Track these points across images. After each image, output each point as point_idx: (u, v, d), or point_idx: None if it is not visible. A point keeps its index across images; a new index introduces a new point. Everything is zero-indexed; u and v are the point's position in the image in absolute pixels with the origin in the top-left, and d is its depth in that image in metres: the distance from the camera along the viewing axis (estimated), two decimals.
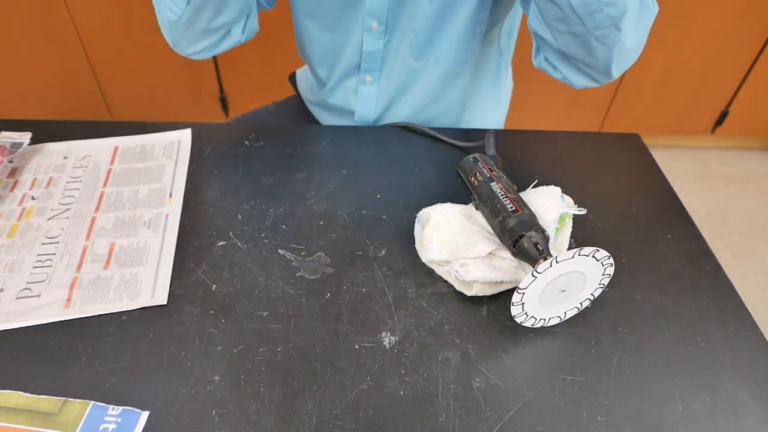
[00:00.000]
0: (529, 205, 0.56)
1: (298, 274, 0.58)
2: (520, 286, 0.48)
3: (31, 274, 0.56)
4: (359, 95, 0.84)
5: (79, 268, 0.57)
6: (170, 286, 0.56)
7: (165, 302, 0.54)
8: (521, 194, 0.58)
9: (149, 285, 0.55)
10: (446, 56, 0.78)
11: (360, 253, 0.60)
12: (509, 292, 0.56)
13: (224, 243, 0.61)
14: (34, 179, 0.67)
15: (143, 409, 0.46)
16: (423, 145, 0.77)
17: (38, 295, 0.54)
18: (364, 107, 0.85)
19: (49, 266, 0.57)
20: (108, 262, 0.58)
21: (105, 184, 0.67)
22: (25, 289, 0.55)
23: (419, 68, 0.79)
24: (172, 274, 0.57)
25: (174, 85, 1.79)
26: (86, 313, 0.52)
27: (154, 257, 0.58)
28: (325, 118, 0.95)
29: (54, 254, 0.58)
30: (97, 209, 0.64)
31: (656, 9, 0.65)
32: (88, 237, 0.60)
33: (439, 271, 0.58)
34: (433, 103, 0.85)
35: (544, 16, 0.65)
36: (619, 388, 0.50)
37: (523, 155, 0.77)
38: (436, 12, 0.73)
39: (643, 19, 0.65)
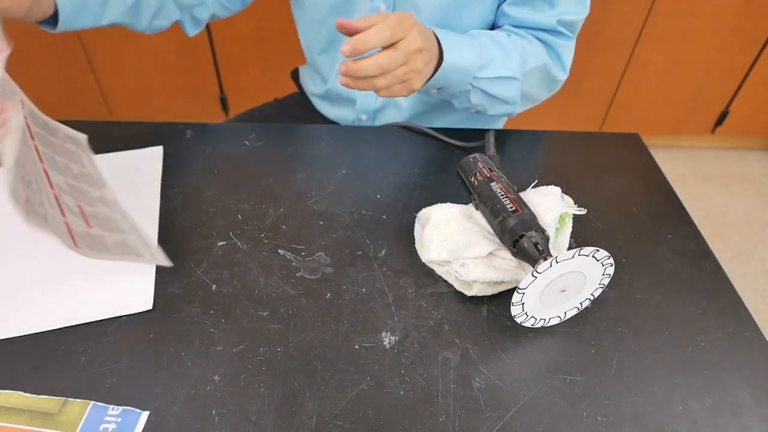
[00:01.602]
0: (529, 205, 0.56)
1: (298, 274, 0.58)
2: (520, 286, 0.48)
3: None
4: None
5: (62, 213, 0.49)
6: (170, 287, 0.56)
7: (166, 262, 0.54)
8: (521, 194, 0.58)
9: (144, 247, 0.54)
10: None
11: (360, 253, 0.60)
12: (509, 292, 0.56)
13: (224, 243, 0.61)
14: None
15: (143, 409, 0.46)
16: (423, 145, 0.77)
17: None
18: (366, 96, 0.85)
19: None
20: (87, 222, 0.51)
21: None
22: None
23: None
24: (172, 274, 0.57)
25: (174, 85, 1.79)
26: (93, 257, 0.50)
27: (134, 223, 0.55)
28: (327, 110, 0.95)
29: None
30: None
31: (563, 78, 0.78)
32: (51, 187, 0.50)
33: (439, 271, 0.58)
34: (434, 104, 0.85)
35: None
36: (619, 388, 0.50)
37: (523, 155, 0.77)
38: (445, 3, 0.72)
39: (545, 91, 0.79)
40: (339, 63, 0.83)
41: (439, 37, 0.64)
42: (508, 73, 0.70)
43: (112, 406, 0.46)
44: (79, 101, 1.79)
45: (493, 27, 0.79)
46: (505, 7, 0.74)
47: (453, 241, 0.56)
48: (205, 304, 0.54)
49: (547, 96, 0.81)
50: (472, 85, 0.69)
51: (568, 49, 0.76)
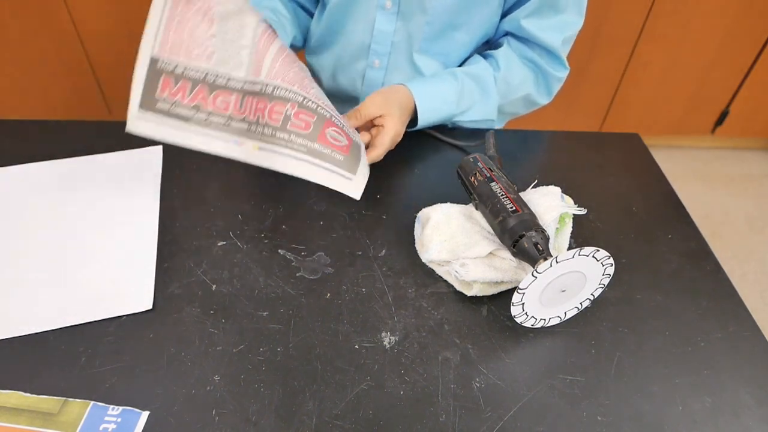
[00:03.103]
0: (529, 205, 0.56)
1: (298, 274, 0.58)
2: (520, 286, 0.48)
3: None
4: (366, 80, 0.83)
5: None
6: (170, 287, 0.56)
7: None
8: (521, 194, 0.58)
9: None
10: (455, 56, 0.79)
11: (360, 253, 0.60)
12: (509, 292, 0.56)
13: (224, 243, 0.61)
14: None
15: (143, 409, 0.46)
16: (423, 145, 0.77)
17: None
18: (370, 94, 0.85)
19: None
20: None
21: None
22: None
23: (428, 65, 0.79)
24: (172, 274, 0.57)
25: None
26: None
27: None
28: None
29: None
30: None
31: (545, 103, 0.83)
32: None
33: (439, 271, 0.58)
34: None
35: None
36: (619, 388, 0.50)
37: (523, 155, 0.77)
38: (452, 6, 0.73)
39: (524, 110, 0.84)
40: (343, 60, 0.84)
41: (417, 104, 0.72)
42: (484, 116, 0.78)
43: (112, 406, 0.46)
44: (79, 101, 1.79)
45: (492, 39, 0.81)
46: (522, 21, 0.75)
47: (453, 241, 0.56)
48: (205, 304, 0.54)
49: (524, 113, 0.87)
50: (451, 122, 0.79)
51: (559, 81, 0.81)
